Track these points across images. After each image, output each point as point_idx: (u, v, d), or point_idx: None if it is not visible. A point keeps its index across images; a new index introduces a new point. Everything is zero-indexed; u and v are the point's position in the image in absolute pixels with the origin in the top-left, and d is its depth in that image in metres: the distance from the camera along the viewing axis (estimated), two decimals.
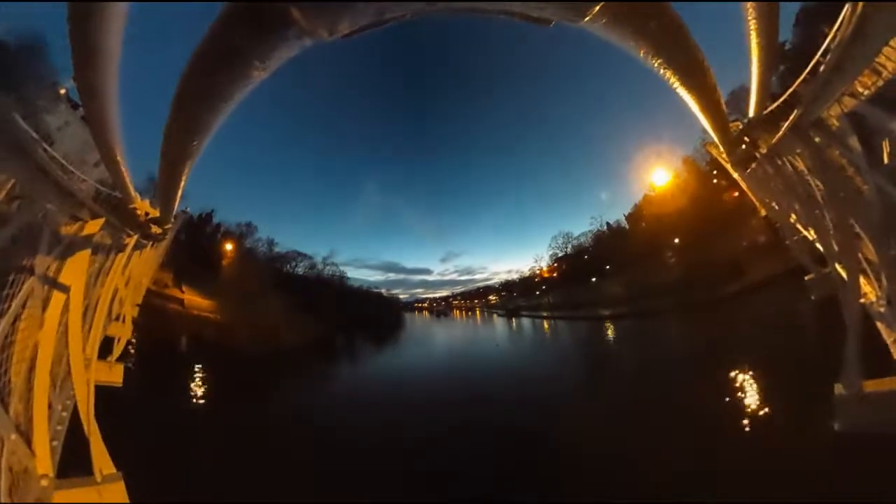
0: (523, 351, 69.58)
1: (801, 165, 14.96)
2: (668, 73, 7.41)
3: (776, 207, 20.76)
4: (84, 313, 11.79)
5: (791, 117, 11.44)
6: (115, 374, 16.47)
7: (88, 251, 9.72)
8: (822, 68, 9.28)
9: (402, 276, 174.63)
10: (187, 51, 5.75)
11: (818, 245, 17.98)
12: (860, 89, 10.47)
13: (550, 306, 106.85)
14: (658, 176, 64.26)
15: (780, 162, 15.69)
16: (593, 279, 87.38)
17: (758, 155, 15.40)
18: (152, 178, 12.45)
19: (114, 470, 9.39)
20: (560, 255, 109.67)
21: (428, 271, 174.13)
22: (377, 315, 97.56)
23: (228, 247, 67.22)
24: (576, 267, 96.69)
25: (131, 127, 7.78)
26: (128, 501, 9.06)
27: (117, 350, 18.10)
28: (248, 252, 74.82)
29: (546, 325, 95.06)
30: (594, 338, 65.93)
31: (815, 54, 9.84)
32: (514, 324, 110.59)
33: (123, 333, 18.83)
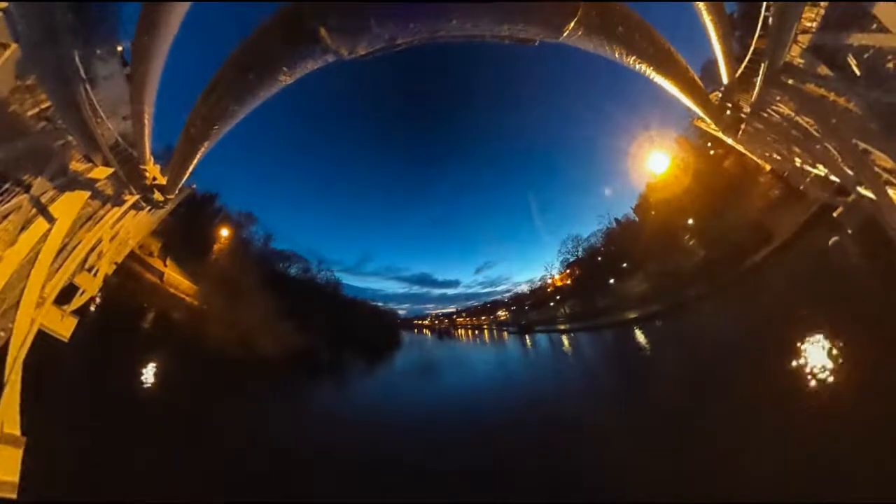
0: (542, 380, 55.15)
1: (786, 111, 15.71)
2: (643, 66, 8.42)
3: (778, 158, 20.85)
4: (59, 251, 11.24)
5: (761, 71, 12.23)
6: (64, 326, 14.75)
7: (88, 194, 10.03)
8: (770, 20, 10.39)
9: (425, 290, 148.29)
10: (228, 45, 7.06)
11: (832, 178, 18.08)
12: (808, 24, 11.24)
13: (568, 317, 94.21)
14: (656, 162, 62.36)
15: (765, 115, 16.37)
16: (611, 280, 79.33)
17: (743, 116, 15.94)
18: (170, 148, 12.99)
19: (18, 432, 8.10)
20: (571, 259, 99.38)
21: (457, 283, 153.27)
22: (371, 332, 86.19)
23: (224, 233, 63.83)
24: (590, 270, 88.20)
25: (164, 98, 8.89)
26: (16, 479, 7.55)
27: (77, 302, 16.25)
28: (242, 243, 71.58)
29: (566, 341, 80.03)
30: (626, 350, 54.03)
31: (760, 13, 10.84)
32: (528, 342, 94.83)
33: (91, 287, 17.16)
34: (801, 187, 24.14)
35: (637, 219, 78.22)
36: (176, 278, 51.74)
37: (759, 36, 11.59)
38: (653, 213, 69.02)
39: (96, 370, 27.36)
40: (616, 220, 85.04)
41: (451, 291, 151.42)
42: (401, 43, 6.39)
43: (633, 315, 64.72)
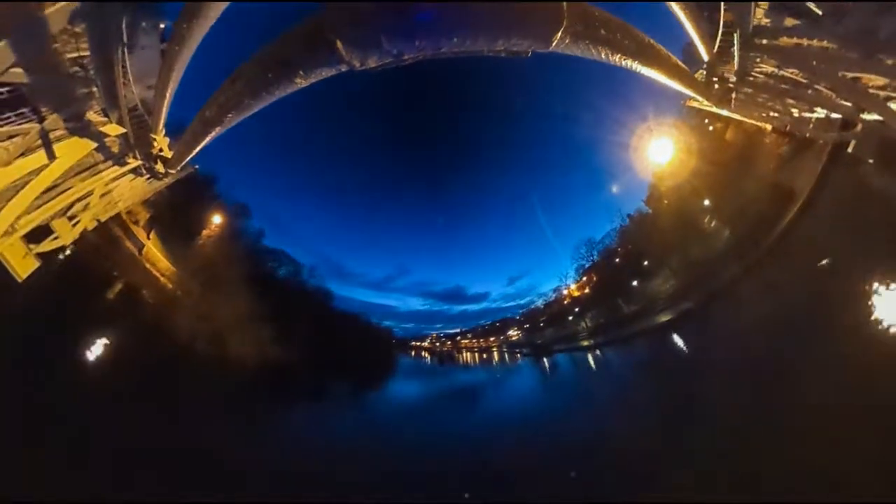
0: (571, 416, 43.76)
1: (769, 69, 16.55)
2: (629, 62, 9.48)
3: (776, 115, 21.41)
4: (48, 189, 11.65)
5: (736, 40, 13.49)
6: (24, 265, 14.25)
7: (94, 145, 10.85)
8: None
9: (445, 307, 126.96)
10: (255, 42, 8.20)
11: (834, 115, 18.81)
12: None
13: (590, 331, 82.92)
14: (659, 150, 61.22)
15: (752, 78, 17.16)
16: (634, 282, 71.73)
17: (731, 86, 16.92)
18: (182, 126, 13.50)
19: None
20: (587, 265, 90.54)
21: (485, 296, 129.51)
22: (361, 353, 75.42)
23: (216, 219, 60.72)
24: (609, 274, 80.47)
25: (188, 80, 9.86)
26: None
27: (47, 245, 15.86)
28: (233, 234, 68.56)
29: (592, 360, 68.48)
30: (667, 361, 44.73)
31: None
32: (546, 364, 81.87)
33: (66, 235, 16.75)
34: (808, 135, 24.41)
35: (650, 211, 73.83)
36: (155, 254, 47.89)
37: (725, 10, 12.95)
38: (665, 202, 65.95)
39: (38, 329, 24.22)
40: (628, 215, 79.90)
41: (473, 307, 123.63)
42: (407, 58, 7.38)
43: (665, 317, 57.42)
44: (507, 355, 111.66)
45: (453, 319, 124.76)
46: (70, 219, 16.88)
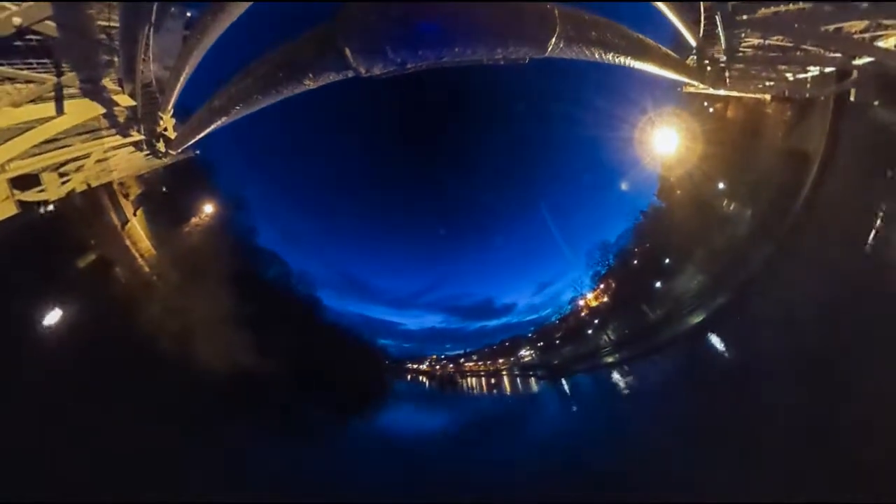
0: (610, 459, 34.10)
1: (755, 41, 17.11)
2: (622, 59, 10.25)
3: (772, 83, 21.84)
4: (47, 141, 11.88)
5: (719, 21, 14.38)
6: (2, 208, 13.83)
7: (103, 111, 11.47)
8: None
9: (461, 324, 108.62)
10: (269, 41, 8.78)
11: (827, 70, 19.30)
12: None
13: (614, 345, 73.72)
14: (663, 140, 60.77)
15: (741, 54, 17.77)
16: (657, 284, 65.45)
17: (723, 65, 17.55)
18: (188, 112, 12.94)
19: None
20: (603, 271, 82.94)
21: (512, 307, 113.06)
22: (350, 374, 65.12)
23: (208, 208, 56.89)
24: (628, 279, 74.04)
25: (202, 69, 10.57)
26: None
27: (31, 196, 15.34)
28: (225, 225, 64.94)
29: (619, 378, 60.41)
30: (710, 369, 38.72)
31: None
32: (566, 387, 72.97)
33: (53, 191, 16.17)
34: (807, 95, 24.90)
35: (663, 204, 70.16)
36: (138, 233, 45.04)
37: None
38: (678, 192, 63.45)
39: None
40: (641, 212, 75.33)
41: (492, 322, 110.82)
42: (410, 67, 7.92)
43: (698, 318, 51.30)
44: (519, 379, 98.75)
45: (465, 338, 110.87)
46: (61, 176, 16.54)
